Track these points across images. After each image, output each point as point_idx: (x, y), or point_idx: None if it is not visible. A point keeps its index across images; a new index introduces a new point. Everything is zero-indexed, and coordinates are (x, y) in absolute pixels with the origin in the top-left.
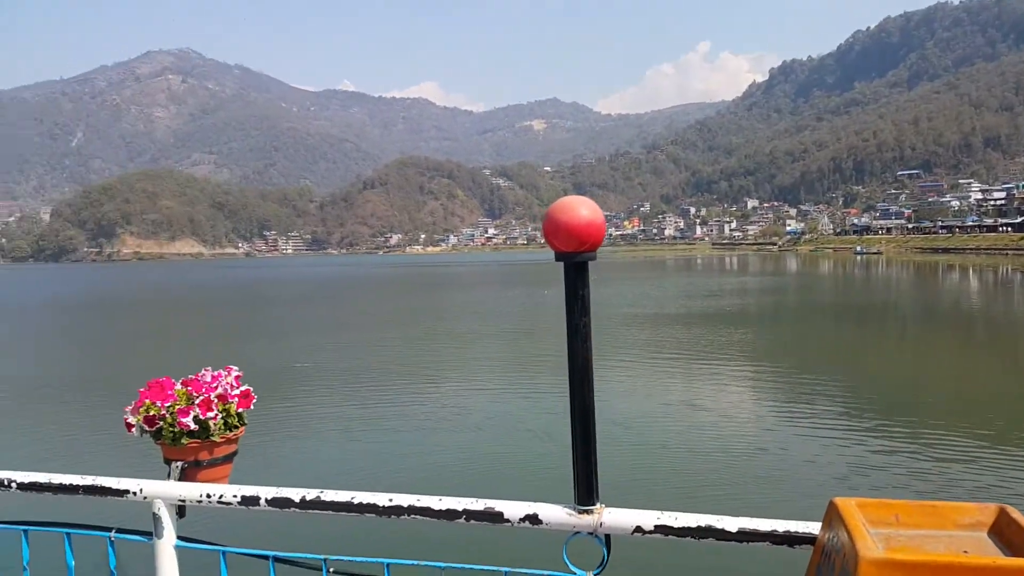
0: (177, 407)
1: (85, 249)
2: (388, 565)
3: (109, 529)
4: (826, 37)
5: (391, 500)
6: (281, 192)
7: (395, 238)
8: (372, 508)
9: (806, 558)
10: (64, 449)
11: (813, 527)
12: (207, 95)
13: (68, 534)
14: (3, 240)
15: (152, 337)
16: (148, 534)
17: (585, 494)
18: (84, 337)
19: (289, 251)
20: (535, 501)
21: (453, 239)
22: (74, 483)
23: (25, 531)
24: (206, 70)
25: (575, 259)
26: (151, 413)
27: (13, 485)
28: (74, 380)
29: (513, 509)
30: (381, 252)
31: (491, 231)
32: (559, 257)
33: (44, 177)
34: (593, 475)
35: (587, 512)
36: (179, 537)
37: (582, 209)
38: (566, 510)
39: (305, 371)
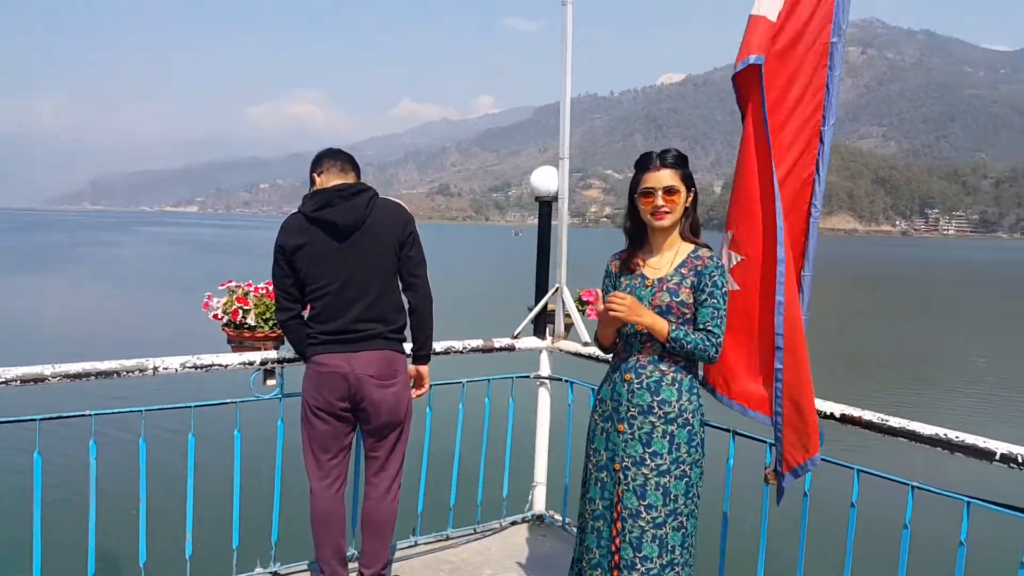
0: None
1: None
2: None
3: None
4: None
5: None
6: (951, 167)
7: None
8: None
9: None
10: None
11: None
12: (885, 65)
13: None
14: None
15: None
16: None
17: None
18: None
19: (951, 232)
20: None
21: None
22: None
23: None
24: (888, 39)
25: None
26: None
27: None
28: None
29: None
30: None
31: None
32: None
33: (721, 152)
34: None
35: None
36: None
37: None
38: None
39: None
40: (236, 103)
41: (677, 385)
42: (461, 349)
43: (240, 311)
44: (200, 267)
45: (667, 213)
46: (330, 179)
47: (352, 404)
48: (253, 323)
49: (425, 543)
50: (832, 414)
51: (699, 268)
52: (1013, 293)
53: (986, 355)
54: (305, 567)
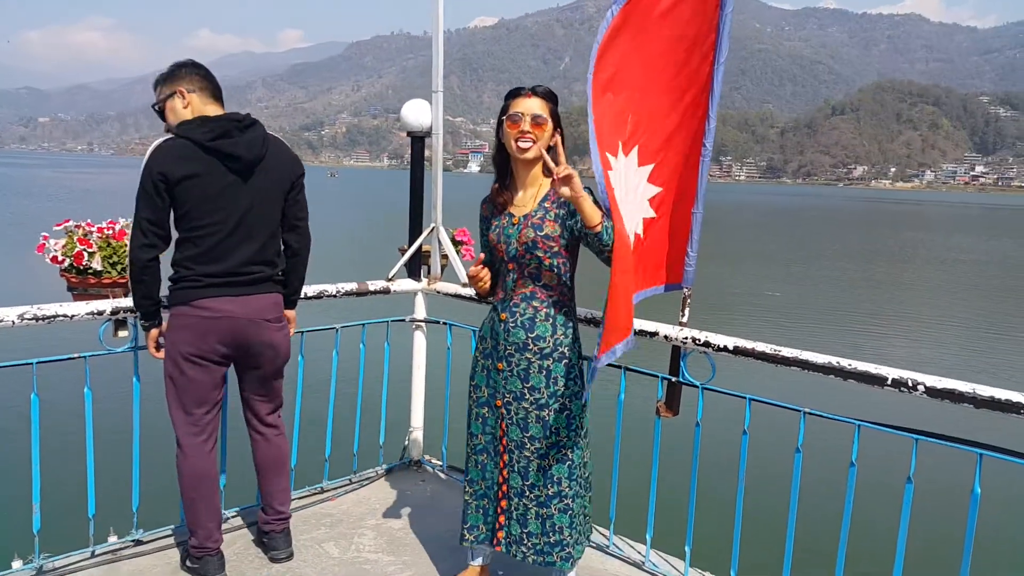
0: None
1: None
2: None
3: None
4: None
5: None
6: (742, 116)
7: (859, 170)
8: None
9: None
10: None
11: None
12: None
13: None
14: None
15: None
16: None
17: None
18: None
19: (742, 177)
20: None
21: (929, 175)
22: None
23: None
24: None
25: None
26: None
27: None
28: None
29: None
30: (841, 184)
31: (979, 168)
32: None
33: None
34: None
35: None
36: None
37: None
38: None
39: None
40: (9, 26)
41: (551, 321)
42: (335, 293)
43: (85, 254)
44: None
45: (532, 141)
46: (205, 102)
47: (235, 350)
48: (100, 268)
49: (299, 497)
50: (725, 346)
51: (563, 199)
52: (796, 235)
53: (778, 289)
54: (170, 532)
